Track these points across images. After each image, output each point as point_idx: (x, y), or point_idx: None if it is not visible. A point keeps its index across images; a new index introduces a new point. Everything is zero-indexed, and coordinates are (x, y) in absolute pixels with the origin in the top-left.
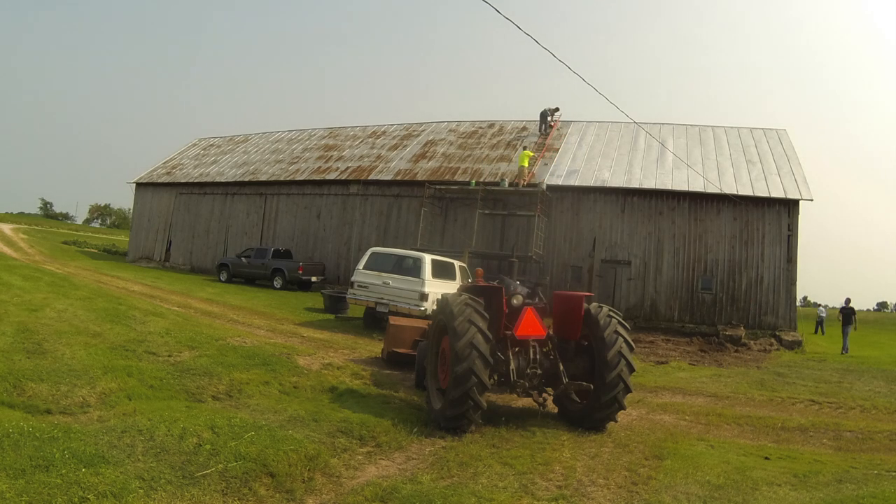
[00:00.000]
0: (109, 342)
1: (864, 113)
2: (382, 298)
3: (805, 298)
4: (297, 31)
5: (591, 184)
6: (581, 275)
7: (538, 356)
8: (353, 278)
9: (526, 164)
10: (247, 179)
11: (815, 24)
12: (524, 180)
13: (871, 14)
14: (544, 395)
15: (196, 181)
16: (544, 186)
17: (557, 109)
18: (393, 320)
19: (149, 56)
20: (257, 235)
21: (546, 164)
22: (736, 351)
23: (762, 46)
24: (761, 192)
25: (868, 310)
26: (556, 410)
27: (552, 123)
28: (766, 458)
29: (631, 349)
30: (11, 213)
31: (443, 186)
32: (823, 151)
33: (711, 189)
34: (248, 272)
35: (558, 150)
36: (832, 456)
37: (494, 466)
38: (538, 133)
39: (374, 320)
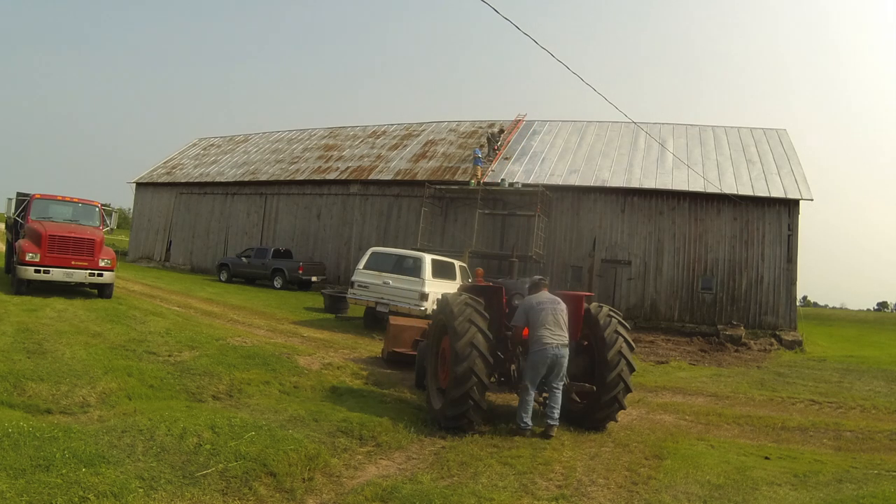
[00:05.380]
0: (110, 342)
1: (866, 112)
2: (382, 298)
3: (805, 298)
4: (298, 31)
5: (591, 184)
6: (581, 275)
7: None
8: (353, 278)
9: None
10: (247, 179)
11: (816, 23)
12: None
13: (873, 12)
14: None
15: (196, 181)
16: (507, 185)
17: (502, 131)
18: (393, 320)
19: (149, 56)
20: (257, 235)
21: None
22: (736, 351)
23: (762, 46)
24: (761, 192)
25: (868, 310)
26: None
27: (497, 149)
28: (767, 458)
29: (631, 349)
30: None
31: (443, 186)
32: (824, 151)
33: (711, 189)
34: (249, 272)
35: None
36: (832, 456)
37: (494, 466)
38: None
39: (375, 320)
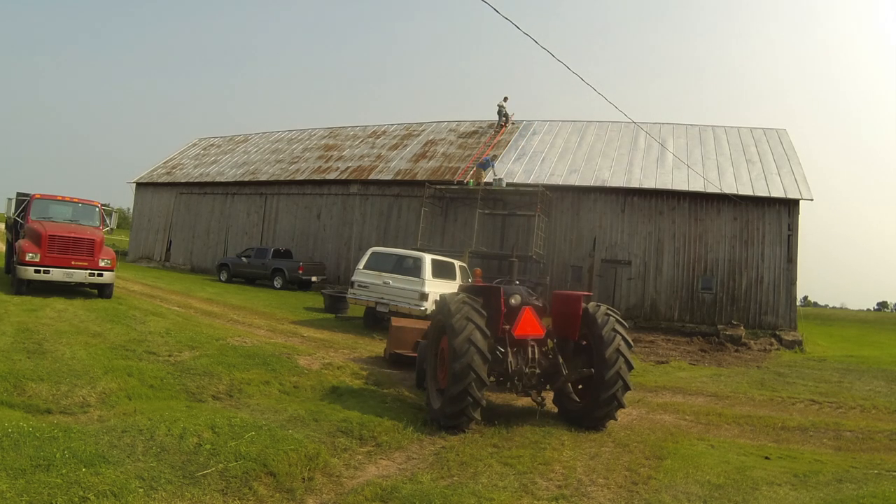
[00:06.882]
0: (110, 342)
1: (866, 112)
2: (383, 298)
3: (805, 298)
4: (298, 30)
5: (591, 184)
6: (581, 275)
7: (537, 355)
8: (353, 278)
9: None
10: (247, 179)
11: (817, 22)
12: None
13: (871, 13)
14: (542, 394)
15: (196, 181)
16: (503, 185)
17: (506, 99)
18: (395, 321)
19: (149, 56)
20: (257, 235)
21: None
22: (736, 351)
23: (762, 46)
24: (761, 192)
25: (868, 310)
26: (555, 410)
27: (503, 123)
28: (767, 458)
29: (629, 347)
30: None
31: (443, 186)
32: (824, 151)
33: (711, 189)
34: (249, 272)
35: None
36: (832, 456)
37: (494, 466)
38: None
39: (375, 320)
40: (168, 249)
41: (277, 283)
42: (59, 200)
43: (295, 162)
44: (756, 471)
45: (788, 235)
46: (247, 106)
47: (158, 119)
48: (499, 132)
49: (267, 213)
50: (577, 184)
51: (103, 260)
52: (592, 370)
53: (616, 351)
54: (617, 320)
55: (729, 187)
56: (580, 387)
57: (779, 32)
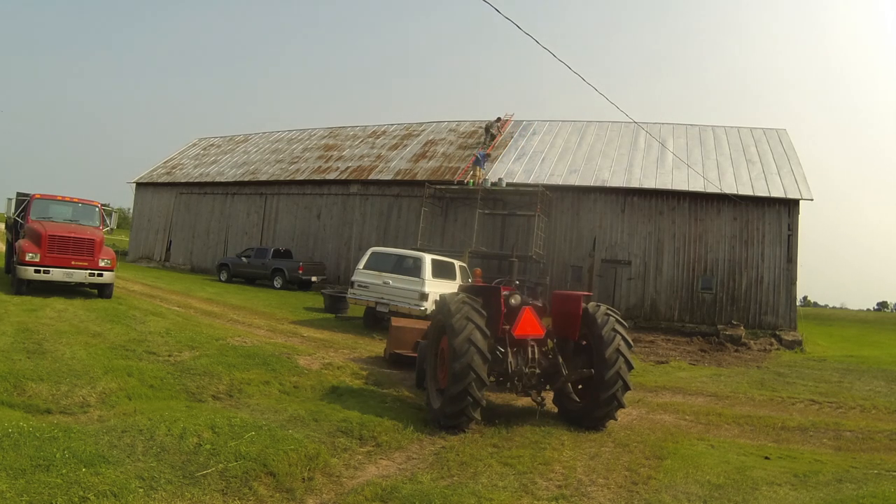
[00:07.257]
0: (109, 342)
1: (866, 112)
2: (382, 298)
3: (805, 298)
4: (298, 30)
5: (591, 184)
6: (581, 275)
7: (537, 355)
8: (353, 278)
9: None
10: (247, 179)
11: (818, 22)
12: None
13: (871, 13)
14: (542, 394)
15: (196, 181)
16: (503, 184)
17: (498, 120)
18: (395, 321)
19: (149, 56)
20: (257, 235)
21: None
22: (736, 350)
23: (763, 46)
24: (761, 192)
25: (868, 310)
26: (555, 410)
27: (496, 134)
28: (767, 458)
29: (629, 347)
30: None
31: (443, 186)
32: (824, 150)
33: (711, 189)
34: (249, 272)
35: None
36: (832, 456)
37: (494, 466)
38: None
39: (375, 320)
40: (168, 249)
41: (277, 283)
42: (59, 200)
43: (295, 162)
44: (756, 471)
45: (788, 235)
46: (247, 106)
47: (158, 119)
48: (488, 148)
49: (267, 213)
50: (577, 184)
51: (103, 260)
52: (592, 370)
53: (616, 351)
54: (617, 320)
55: (729, 187)
56: (580, 387)
57: (780, 31)
